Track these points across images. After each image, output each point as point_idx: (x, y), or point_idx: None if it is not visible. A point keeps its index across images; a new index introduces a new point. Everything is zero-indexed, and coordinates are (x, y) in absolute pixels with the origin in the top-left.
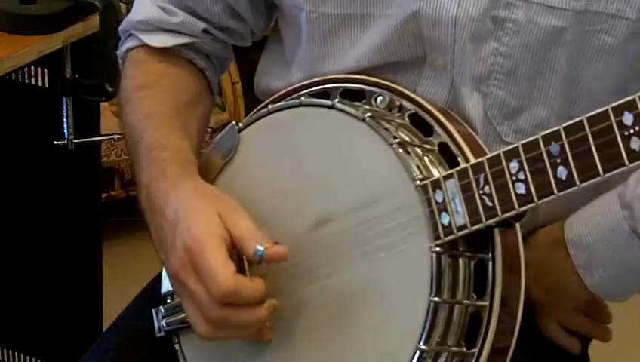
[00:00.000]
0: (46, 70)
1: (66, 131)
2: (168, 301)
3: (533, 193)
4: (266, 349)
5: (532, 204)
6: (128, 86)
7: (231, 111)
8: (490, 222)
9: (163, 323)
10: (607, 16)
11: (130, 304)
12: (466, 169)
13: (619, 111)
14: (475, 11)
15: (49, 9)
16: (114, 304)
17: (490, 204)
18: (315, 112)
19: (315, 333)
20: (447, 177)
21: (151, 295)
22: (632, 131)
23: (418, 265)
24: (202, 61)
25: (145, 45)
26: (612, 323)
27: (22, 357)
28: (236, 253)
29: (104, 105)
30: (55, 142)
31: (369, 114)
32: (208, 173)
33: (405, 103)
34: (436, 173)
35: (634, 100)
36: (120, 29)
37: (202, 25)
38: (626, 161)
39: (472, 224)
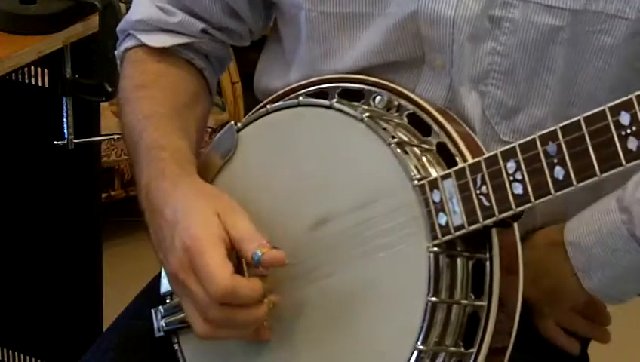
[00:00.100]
0: (46, 70)
1: (66, 131)
2: (168, 301)
3: (531, 193)
4: (265, 349)
5: (529, 204)
6: (127, 86)
7: (231, 111)
8: (487, 222)
9: (162, 323)
10: (606, 16)
11: (130, 304)
12: (463, 169)
13: (616, 111)
14: (473, 11)
15: (49, 9)
16: (114, 304)
17: (487, 204)
18: (313, 112)
19: (314, 333)
20: (444, 177)
21: (151, 295)
22: (628, 131)
23: (416, 265)
24: (201, 61)
25: (143, 45)
26: (611, 324)
27: (22, 357)
28: (235, 253)
29: (104, 105)
30: (55, 142)
31: (367, 114)
32: (207, 172)
33: (404, 103)
34: (434, 173)
35: (631, 100)
36: (118, 28)
37: (201, 25)
38: (623, 161)
39: (470, 224)
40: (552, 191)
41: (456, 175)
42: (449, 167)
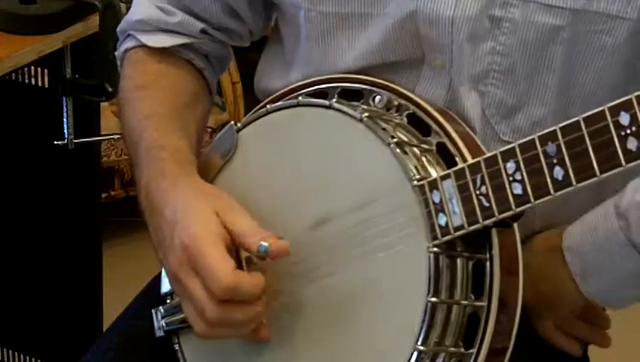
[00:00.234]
0: (46, 70)
1: (66, 131)
2: (168, 301)
3: (530, 193)
4: (265, 349)
5: (529, 205)
6: (127, 86)
7: (231, 111)
8: (487, 222)
9: (163, 323)
10: (607, 16)
11: (130, 304)
12: (462, 169)
13: (615, 111)
14: (472, 11)
15: (49, 9)
16: (114, 304)
17: (487, 205)
18: (312, 112)
19: (314, 333)
20: (444, 177)
21: (151, 295)
22: (628, 131)
23: (416, 266)
24: (201, 61)
25: (143, 45)
26: (611, 328)
27: (22, 357)
28: (234, 251)
29: (104, 105)
30: (55, 142)
31: (366, 114)
32: (207, 172)
33: (403, 103)
34: (434, 173)
35: (630, 100)
36: (118, 29)
37: (200, 25)
38: (623, 162)
39: (469, 224)
40: (552, 191)
41: (455, 175)
42: (449, 168)
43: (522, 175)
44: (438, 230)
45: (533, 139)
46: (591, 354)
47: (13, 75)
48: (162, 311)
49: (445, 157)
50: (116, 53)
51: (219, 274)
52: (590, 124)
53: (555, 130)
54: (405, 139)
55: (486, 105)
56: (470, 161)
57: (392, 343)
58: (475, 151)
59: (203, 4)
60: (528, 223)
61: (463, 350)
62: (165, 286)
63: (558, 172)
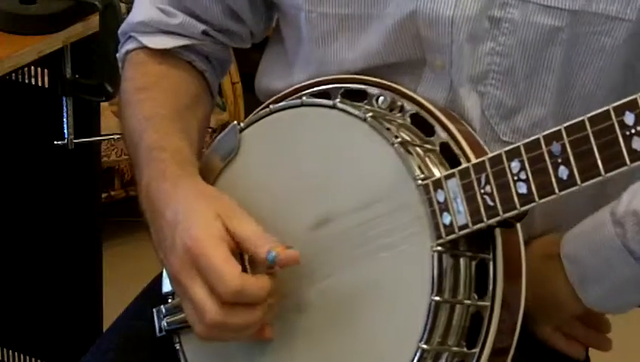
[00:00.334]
0: (46, 70)
1: (66, 131)
2: (169, 300)
3: (535, 192)
4: (267, 349)
5: (533, 204)
6: (128, 88)
7: (231, 111)
8: (491, 221)
9: (164, 322)
10: (606, 18)
11: (130, 304)
12: (467, 168)
13: (620, 110)
14: (472, 11)
15: (49, 9)
16: (114, 304)
17: (491, 204)
18: (316, 112)
19: (315, 333)
20: (448, 177)
21: (151, 295)
22: (633, 131)
23: (419, 265)
24: (202, 63)
25: (144, 47)
26: (612, 332)
27: (22, 357)
28: (238, 254)
29: (104, 105)
30: (55, 142)
31: (370, 114)
32: (209, 172)
33: (406, 103)
34: (437, 173)
35: (635, 100)
36: (119, 31)
37: (202, 26)
38: (628, 161)
39: (474, 223)
40: (557, 190)
41: (460, 174)
42: (452, 168)
43: (527, 174)
44: (442, 229)
45: (538, 139)
46: (592, 356)
47: (13, 75)
48: (163, 310)
49: (449, 157)
50: (117, 55)
51: (226, 277)
52: (595, 124)
53: (559, 130)
54: (409, 139)
55: (485, 106)
56: (474, 160)
57: (393, 343)
58: (478, 151)
59: (204, 6)
60: (528, 224)
61: (465, 349)
62: (166, 286)
63: (563, 171)
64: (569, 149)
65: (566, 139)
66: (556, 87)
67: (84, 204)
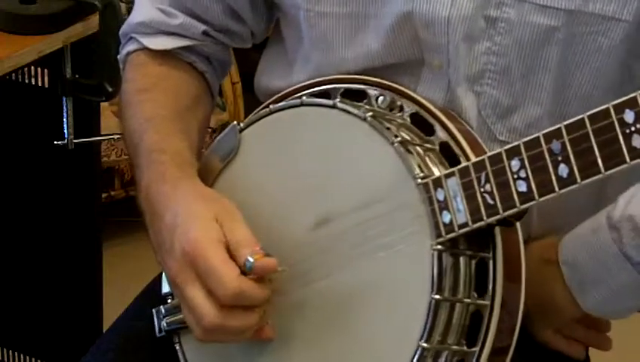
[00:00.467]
0: (46, 70)
1: (66, 131)
2: (169, 301)
3: (535, 191)
4: (267, 349)
5: (533, 202)
6: (129, 89)
7: (231, 111)
8: (491, 220)
9: (163, 323)
10: (602, 18)
11: (130, 305)
12: (467, 167)
13: (620, 108)
14: (468, 10)
15: (49, 9)
16: (114, 304)
17: (491, 202)
18: (316, 112)
19: (314, 333)
20: (448, 175)
21: (151, 295)
22: (633, 129)
23: (420, 264)
24: (203, 64)
25: (145, 48)
26: (612, 330)
27: (22, 357)
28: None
29: (104, 105)
30: (55, 142)
31: (370, 113)
32: (209, 173)
33: (406, 103)
34: (437, 172)
35: (635, 98)
36: (120, 32)
37: (202, 27)
38: (627, 159)
39: (474, 222)
40: (556, 188)
41: (460, 173)
42: (452, 167)
43: (527, 173)
44: (442, 228)
45: (538, 137)
46: (592, 357)
47: (13, 75)
48: (163, 310)
49: (449, 156)
50: (118, 56)
51: (224, 279)
52: (595, 122)
53: (559, 128)
54: (409, 138)
55: (482, 106)
56: (474, 159)
57: (393, 342)
58: (478, 150)
59: (204, 6)
60: (526, 225)
61: (465, 348)
62: (166, 286)
63: (563, 169)
64: (569, 147)
65: (566, 137)
66: (552, 86)
67: (84, 204)
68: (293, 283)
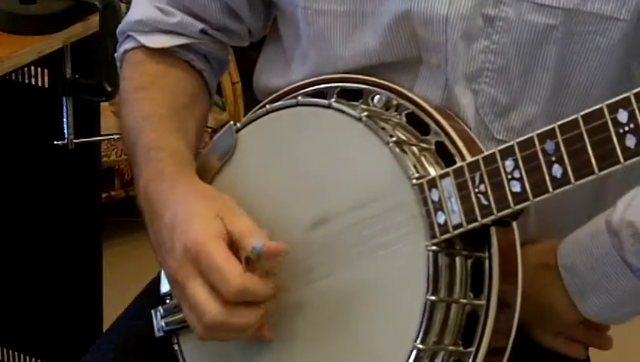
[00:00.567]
0: (46, 70)
1: (66, 131)
2: (168, 301)
3: (529, 191)
4: (265, 349)
5: (527, 202)
6: (126, 87)
7: (231, 111)
8: (485, 220)
9: (162, 323)
10: (600, 17)
11: (130, 304)
12: (461, 167)
13: (614, 108)
14: (466, 9)
15: (49, 9)
16: (114, 304)
17: (485, 203)
18: (312, 112)
19: (312, 333)
20: (442, 176)
21: (151, 295)
22: (626, 128)
23: (415, 264)
24: (200, 62)
25: (142, 46)
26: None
27: (22, 357)
28: (235, 253)
29: (104, 105)
30: (55, 142)
31: (366, 113)
32: (206, 173)
33: (402, 102)
34: (432, 172)
35: (628, 97)
36: (118, 30)
37: (200, 25)
38: (621, 159)
39: (468, 223)
40: (550, 189)
41: (454, 174)
42: (447, 166)
43: (521, 173)
44: (437, 228)
45: (532, 137)
46: (592, 357)
47: (13, 75)
48: (162, 311)
49: (444, 156)
50: (116, 54)
51: (228, 276)
52: (588, 122)
53: (553, 128)
54: (404, 138)
55: (480, 104)
56: (469, 159)
57: (391, 342)
58: (474, 149)
59: (202, 4)
60: (522, 225)
61: (462, 349)
62: (165, 286)
63: (557, 170)
64: (563, 147)
65: (560, 137)
66: (551, 85)
67: (84, 204)
68: (296, 281)
